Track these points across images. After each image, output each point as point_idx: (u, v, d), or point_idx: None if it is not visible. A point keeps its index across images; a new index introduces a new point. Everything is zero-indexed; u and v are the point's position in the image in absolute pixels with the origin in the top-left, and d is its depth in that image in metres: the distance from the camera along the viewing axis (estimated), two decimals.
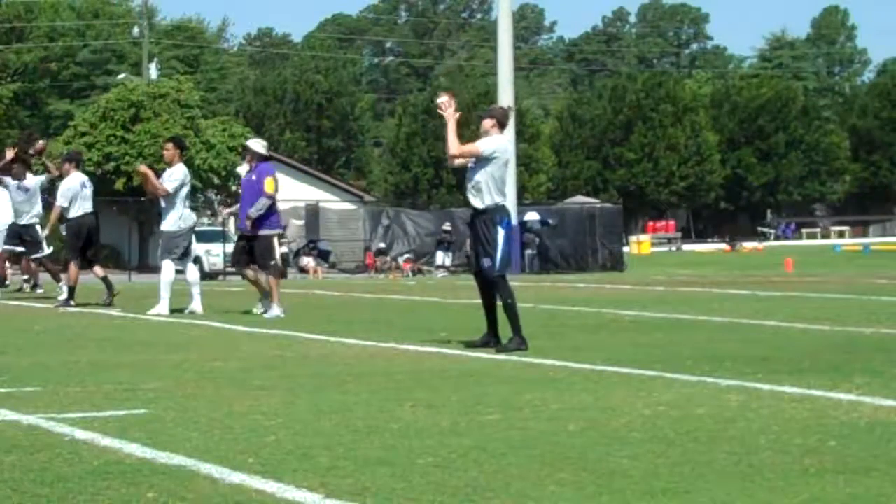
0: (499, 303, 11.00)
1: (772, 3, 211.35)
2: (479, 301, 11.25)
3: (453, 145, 11.00)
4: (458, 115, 11.11)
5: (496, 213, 10.93)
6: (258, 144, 15.58)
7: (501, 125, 11.12)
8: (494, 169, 10.90)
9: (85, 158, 41.92)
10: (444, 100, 11.25)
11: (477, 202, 10.93)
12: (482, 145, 10.96)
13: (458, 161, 11.13)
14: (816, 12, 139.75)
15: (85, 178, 17.94)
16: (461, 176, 11.58)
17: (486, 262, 10.89)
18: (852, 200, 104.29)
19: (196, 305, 15.95)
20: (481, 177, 10.90)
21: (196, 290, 16.07)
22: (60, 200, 17.69)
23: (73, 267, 17.80)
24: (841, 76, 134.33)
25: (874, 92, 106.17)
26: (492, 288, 11.02)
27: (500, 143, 11.04)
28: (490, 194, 10.89)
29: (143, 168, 17.11)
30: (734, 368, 9.15)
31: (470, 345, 11.01)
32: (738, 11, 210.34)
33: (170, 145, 16.53)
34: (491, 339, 10.97)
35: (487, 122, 11.12)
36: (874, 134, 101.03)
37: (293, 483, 5.18)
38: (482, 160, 10.92)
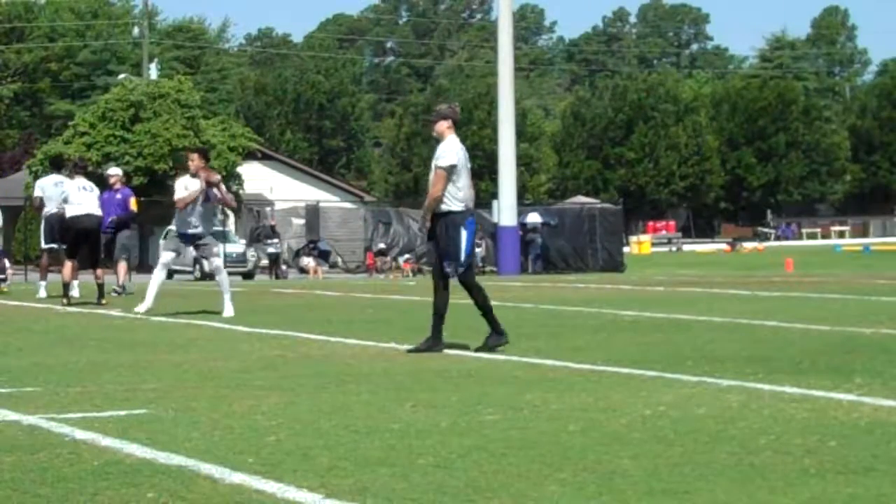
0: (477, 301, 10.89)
1: (772, 3, 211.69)
2: (473, 302, 11.12)
3: (437, 194, 10.69)
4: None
5: (458, 217, 10.74)
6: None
7: (456, 124, 10.91)
8: (454, 177, 10.74)
9: (85, 158, 42.02)
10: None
11: (440, 209, 10.72)
12: (442, 162, 10.72)
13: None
14: (816, 12, 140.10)
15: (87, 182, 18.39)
16: None
17: (447, 266, 10.73)
18: (852, 200, 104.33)
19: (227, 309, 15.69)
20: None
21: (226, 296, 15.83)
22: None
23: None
24: (841, 76, 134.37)
25: (874, 92, 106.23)
26: (471, 290, 10.87)
27: (456, 150, 10.77)
28: (450, 202, 10.72)
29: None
30: (734, 368, 9.15)
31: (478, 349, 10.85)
32: (738, 12, 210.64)
33: (195, 156, 16.34)
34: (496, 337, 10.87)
35: (442, 124, 10.85)
36: (874, 134, 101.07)
37: (293, 483, 5.18)
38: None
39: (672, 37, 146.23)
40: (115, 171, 21.97)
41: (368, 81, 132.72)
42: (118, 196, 20.81)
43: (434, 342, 10.73)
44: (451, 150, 10.79)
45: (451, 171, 10.72)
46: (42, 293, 20.00)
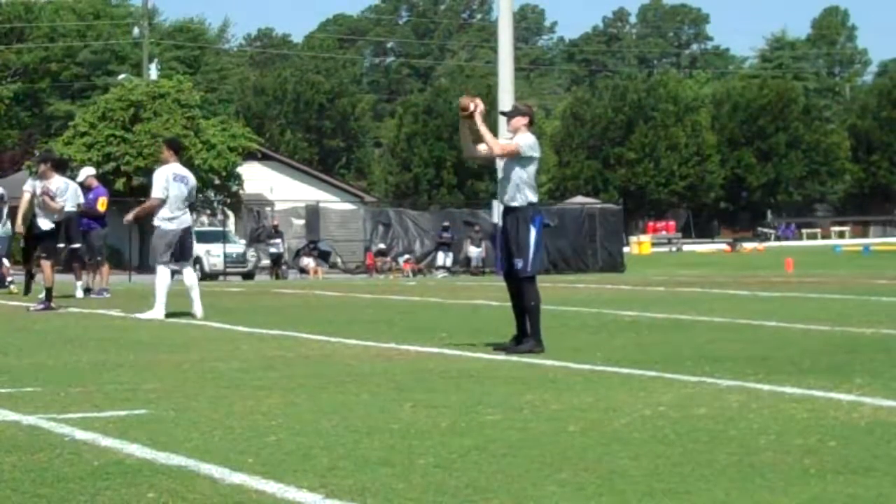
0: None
1: (772, 4, 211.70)
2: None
3: (495, 145, 11.01)
4: (482, 110, 10.94)
5: (528, 212, 10.83)
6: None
7: (532, 122, 11.15)
8: (531, 167, 10.87)
9: (84, 159, 42.02)
10: (467, 103, 11.05)
11: (512, 201, 10.84)
12: (522, 142, 10.89)
13: (479, 158, 11.19)
14: (816, 12, 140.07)
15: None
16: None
17: (518, 262, 10.79)
18: (852, 201, 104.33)
19: (196, 308, 15.63)
20: (516, 175, 10.83)
21: (194, 294, 15.73)
22: None
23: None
24: (841, 76, 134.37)
25: (874, 92, 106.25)
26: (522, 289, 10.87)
27: (535, 141, 11.01)
28: (524, 193, 10.81)
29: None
30: (734, 368, 9.15)
31: (497, 347, 10.86)
32: (738, 12, 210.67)
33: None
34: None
35: (520, 120, 11.04)
36: (874, 134, 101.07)
37: (293, 483, 5.18)
38: (518, 158, 10.84)
39: (672, 37, 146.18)
40: (87, 171, 22.03)
41: (368, 81, 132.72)
42: (90, 195, 20.84)
43: (536, 342, 10.67)
44: (531, 141, 10.93)
45: (522, 154, 10.80)
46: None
